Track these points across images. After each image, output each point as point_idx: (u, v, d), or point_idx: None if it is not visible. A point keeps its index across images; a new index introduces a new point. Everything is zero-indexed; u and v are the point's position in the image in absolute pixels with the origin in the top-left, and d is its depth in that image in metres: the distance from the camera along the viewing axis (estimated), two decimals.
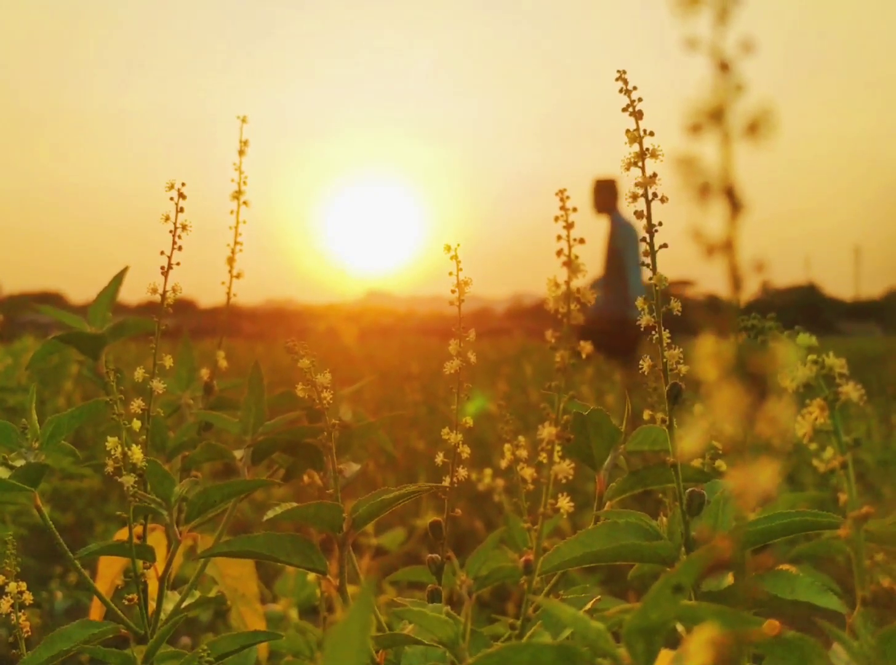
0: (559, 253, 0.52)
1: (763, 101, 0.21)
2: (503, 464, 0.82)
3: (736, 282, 0.22)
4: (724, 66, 0.22)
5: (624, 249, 6.20)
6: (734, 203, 0.22)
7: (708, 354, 0.23)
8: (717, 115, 0.22)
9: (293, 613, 1.58)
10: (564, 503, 0.52)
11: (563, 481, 0.51)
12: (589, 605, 0.61)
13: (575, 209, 0.52)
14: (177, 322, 0.88)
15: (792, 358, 0.24)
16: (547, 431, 0.51)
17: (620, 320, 5.94)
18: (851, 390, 0.54)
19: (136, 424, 0.68)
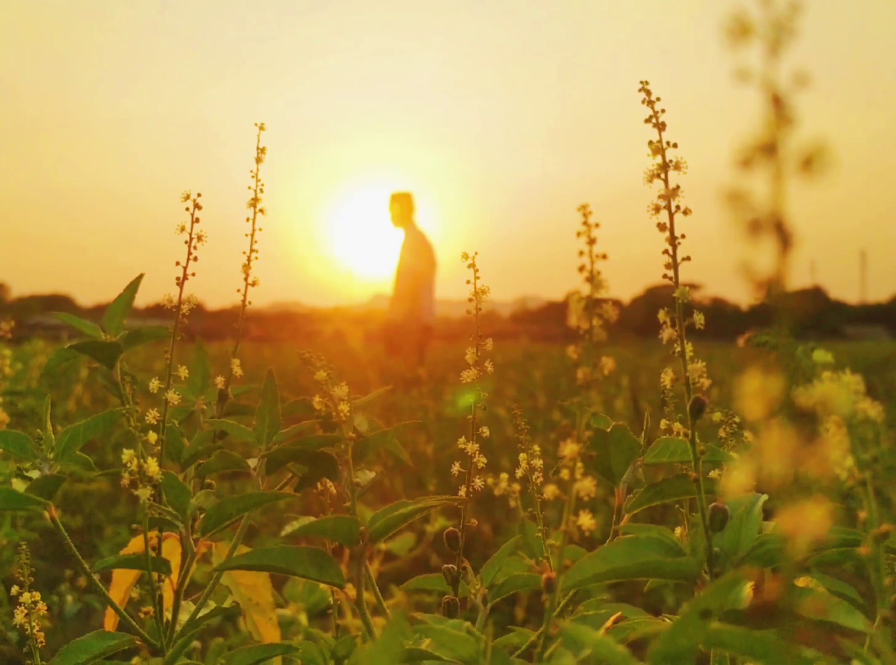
0: (581, 269, 0.51)
1: (818, 135, 0.21)
2: (518, 474, 0.81)
3: (788, 318, 0.22)
4: (776, 100, 0.21)
5: (417, 260, 6.40)
6: (784, 238, 0.22)
7: (755, 391, 0.22)
8: (769, 150, 0.21)
9: (302, 618, 1.57)
10: (587, 520, 0.52)
11: (586, 499, 0.51)
12: (609, 622, 0.60)
13: (598, 225, 0.52)
14: (186, 324, 0.88)
15: (842, 397, 0.23)
16: (569, 449, 0.50)
17: (415, 330, 6.07)
18: (869, 408, 0.54)
19: (153, 437, 0.68)
